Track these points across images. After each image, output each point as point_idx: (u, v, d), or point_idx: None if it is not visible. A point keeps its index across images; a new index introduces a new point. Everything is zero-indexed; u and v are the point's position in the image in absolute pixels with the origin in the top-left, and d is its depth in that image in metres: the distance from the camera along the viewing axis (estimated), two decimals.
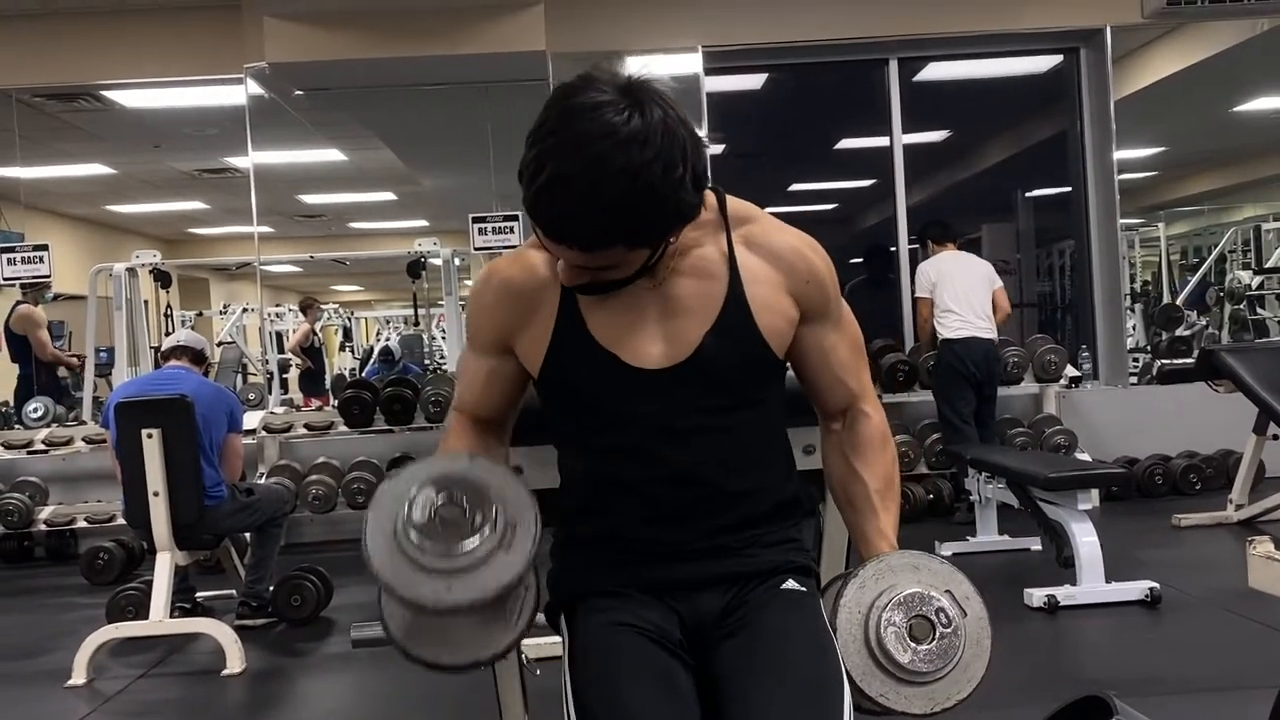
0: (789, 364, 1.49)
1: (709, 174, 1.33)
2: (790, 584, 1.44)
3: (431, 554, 1.20)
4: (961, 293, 5.43)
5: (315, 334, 10.22)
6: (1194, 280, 10.66)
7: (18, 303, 6.98)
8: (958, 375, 5.41)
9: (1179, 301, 10.01)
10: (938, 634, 1.30)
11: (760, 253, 1.42)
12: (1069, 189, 6.90)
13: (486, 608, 1.24)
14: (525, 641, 1.88)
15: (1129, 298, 9.00)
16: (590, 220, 1.23)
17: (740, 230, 1.43)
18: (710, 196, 1.41)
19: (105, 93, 6.94)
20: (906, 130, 6.68)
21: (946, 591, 1.32)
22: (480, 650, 1.32)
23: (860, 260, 6.94)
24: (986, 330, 5.43)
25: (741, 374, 1.42)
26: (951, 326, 5.42)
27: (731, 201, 1.44)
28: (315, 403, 8.62)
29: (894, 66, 6.63)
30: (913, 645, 1.30)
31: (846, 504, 1.49)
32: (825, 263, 1.45)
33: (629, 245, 1.28)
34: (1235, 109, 9.44)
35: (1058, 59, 6.89)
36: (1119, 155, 6.59)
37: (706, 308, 1.40)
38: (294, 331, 10.19)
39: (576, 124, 1.21)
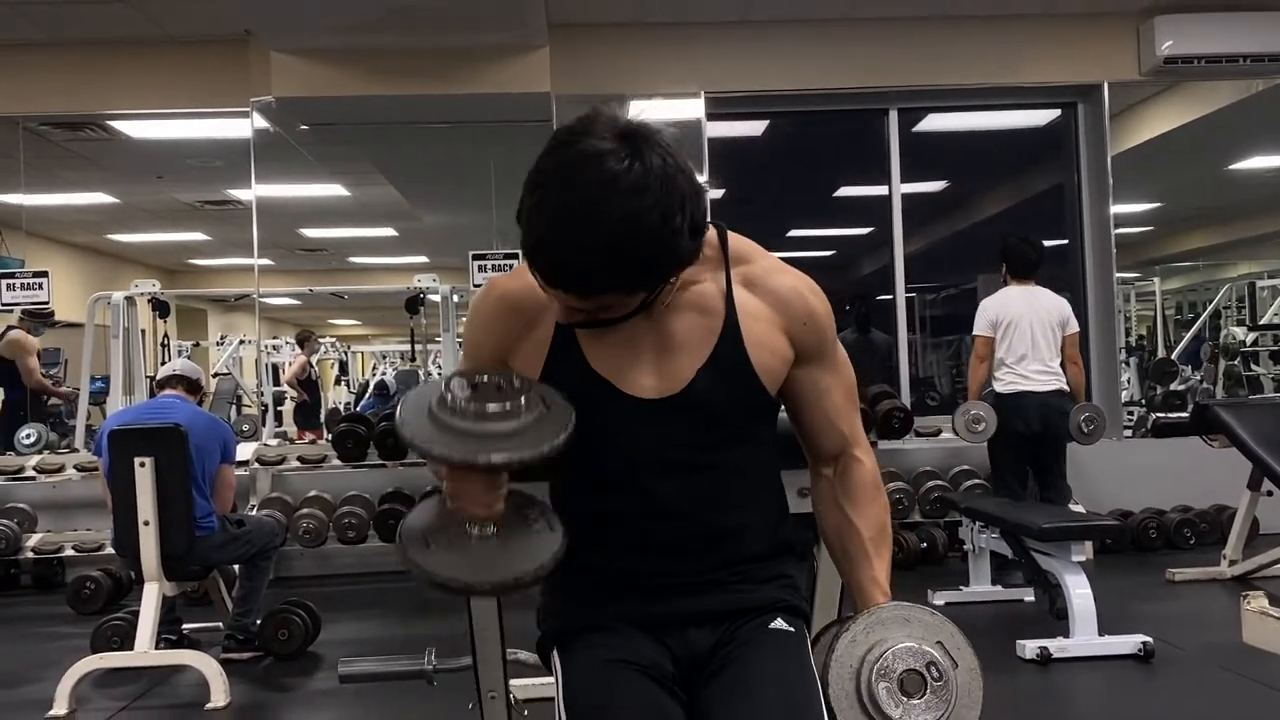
0: (782, 405, 1.49)
1: (707, 218, 1.34)
2: (778, 623, 1.44)
3: (462, 416, 1.26)
4: (1021, 341, 5.03)
5: (311, 367, 10.21)
6: (1188, 336, 10.70)
7: (9, 327, 6.97)
8: (1007, 430, 5.08)
9: (1174, 356, 10.04)
10: (929, 688, 1.30)
11: (758, 291, 1.43)
12: (1065, 241, 6.95)
13: (499, 474, 1.28)
14: (514, 682, 1.87)
15: (1124, 351, 9.03)
16: (588, 267, 1.24)
17: (740, 269, 1.44)
18: (712, 233, 1.43)
19: (111, 122, 6.98)
20: (905, 179, 6.74)
21: (938, 643, 1.33)
22: (501, 572, 1.30)
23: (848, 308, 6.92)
24: (1046, 382, 5.03)
25: (733, 409, 1.43)
26: (1005, 380, 5.07)
27: (733, 239, 1.46)
28: (310, 436, 8.60)
29: (894, 116, 6.70)
30: (905, 700, 1.30)
31: (841, 553, 1.49)
32: (823, 305, 1.46)
33: (627, 291, 1.29)
34: (1231, 167, 9.54)
35: (1056, 113, 6.97)
36: (1115, 209, 6.65)
37: (702, 342, 1.41)
38: (290, 364, 10.18)
39: (576, 172, 1.22)
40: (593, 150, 1.22)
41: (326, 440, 6.70)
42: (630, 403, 1.40)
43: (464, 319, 10.76)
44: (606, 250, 1.22)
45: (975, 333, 5.19)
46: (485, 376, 1.30)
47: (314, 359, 10.39)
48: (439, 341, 7.85)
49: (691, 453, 1.42)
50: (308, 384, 9.97)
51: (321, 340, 12.60)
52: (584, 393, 1.39)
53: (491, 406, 1.26)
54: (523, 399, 1.28)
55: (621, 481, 1.42)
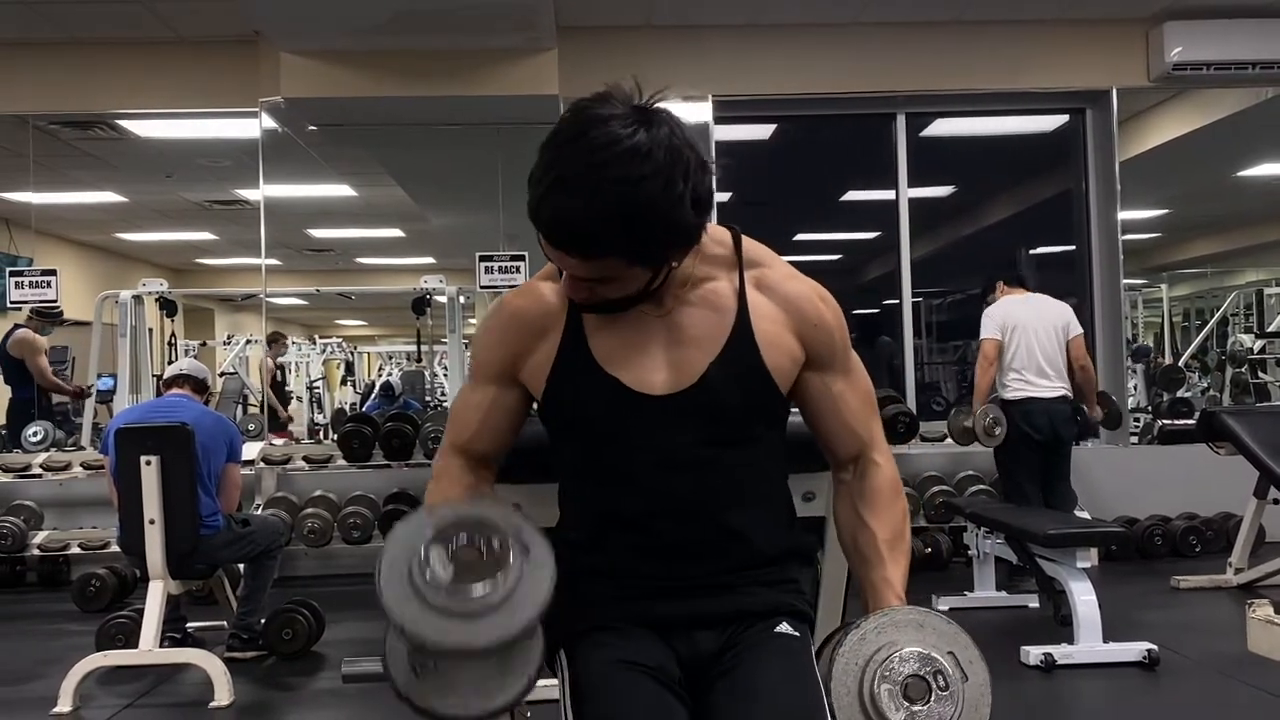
0: (798, 410, 1.49)
1: (714, 199, 1.35)
2: (784, 627, 1.44)
3: (444, 594, 1.16)
4: (1026, 348, 5.07)
5: (278, 368, 10.07)
6: (1195, 343, 10.69)
7: (16, 326, 6.98)
8: (1017, 437, 5.07)
9: (1181, 363, 10.02)
10: (934, 696, 1.27)
11: (770, 294, 1.44)
12: (1073, 247, 6.94)
13: (492, 655, 1.19)
14: None
15: (1131, 357, 9.02)
16: (587, 226, 1.25)
17: (753, 271, 1.45)
18: (726, 235, 1.46)
19: (120, 122, 7.00)
20: (912, 184, 6.73)
21: (949, 653, 1.29)
22: (485, 702, 1.23)
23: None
24: (1051, 388, 5.06)
25: (743, 407, 1.43)
26: (1011, 387, 5.08)
27: (747, 242, 1.47)
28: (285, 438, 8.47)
29: (901, 121, 6.70)
30: (906, 705, 1.27)
31: (855, 553, 1.48)
32: (834, 312, 1.47)
33: (626, 259, 1.29)
34: (1239, 174, 9.52)
35: (1064, 119, 6.96)
36: (1123, 216, 6.64)
37: (712, 338, 1.41)
38: (264, 369, 9.81)
39: (583, 132, 1.25)
40: (603, 114, 1.27)
41: (332, 440, 6.70)
42: (638, 400, 1.40)
43: (470, 321, 10.80)
44: (604, 209, 1.24)
45: (984, 336, 5.18)
46: (463, 540, 1.18)
47: (279, 360, 10.21)
48: (445, 343, 7.86)
49: (700, 450, 1.41)
50: (275, 385, 9.82)
51: (328, 340, 12.63)
52: (591, 391, 1.40)
53: (477, 589, 1.16)
54: (504, 570, 1.17)
55: (629, 480, 1.42)
